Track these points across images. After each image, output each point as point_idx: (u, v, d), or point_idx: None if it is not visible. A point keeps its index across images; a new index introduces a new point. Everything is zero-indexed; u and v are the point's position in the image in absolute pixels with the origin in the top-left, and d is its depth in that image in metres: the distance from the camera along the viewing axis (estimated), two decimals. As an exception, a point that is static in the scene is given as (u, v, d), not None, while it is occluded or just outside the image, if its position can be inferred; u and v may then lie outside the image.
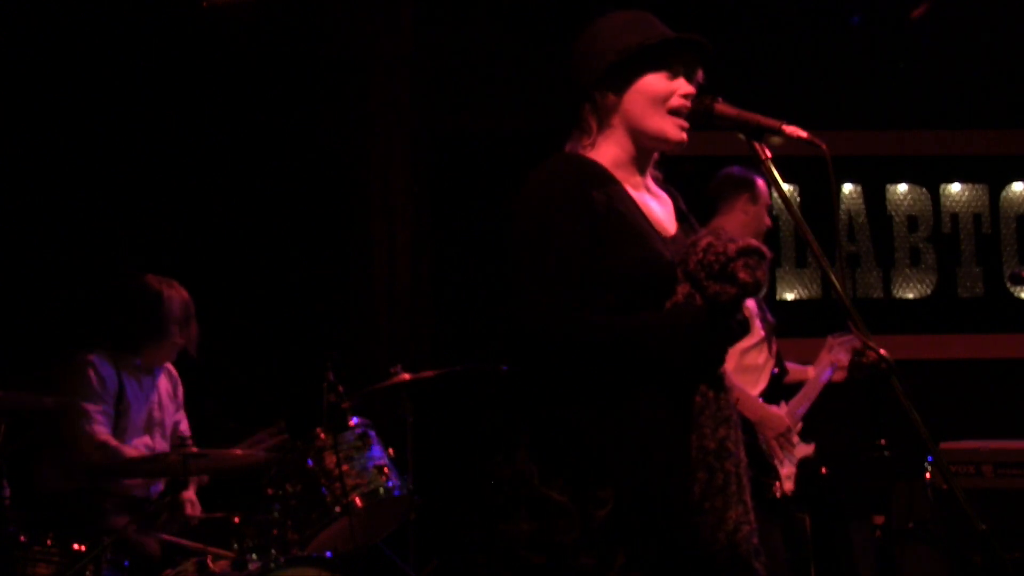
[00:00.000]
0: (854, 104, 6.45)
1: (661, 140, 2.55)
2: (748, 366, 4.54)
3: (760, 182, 4.71)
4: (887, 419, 4.58)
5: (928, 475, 5.11)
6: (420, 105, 6.33)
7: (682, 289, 2.38)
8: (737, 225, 4.59)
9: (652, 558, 2.34)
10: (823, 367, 4.78)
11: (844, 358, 4.75)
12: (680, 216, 2.64)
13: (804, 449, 4.64)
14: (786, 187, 2.43)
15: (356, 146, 6.24)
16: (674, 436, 2.39)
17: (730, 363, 4.34)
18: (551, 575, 2.35)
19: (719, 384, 2.44)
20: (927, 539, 5.23)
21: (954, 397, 5.92)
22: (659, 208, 2.60)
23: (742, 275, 2.32)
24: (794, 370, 4.84)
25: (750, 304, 4.57)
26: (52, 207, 5.69)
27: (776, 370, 4.63)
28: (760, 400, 4.52)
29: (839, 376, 4.78)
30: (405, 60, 6.28)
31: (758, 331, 4.59)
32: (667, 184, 2.69)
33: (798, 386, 4.72)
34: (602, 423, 2.38)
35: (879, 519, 5.53)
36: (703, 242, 2.38)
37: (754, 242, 2.38)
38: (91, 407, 4.37)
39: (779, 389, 4.62)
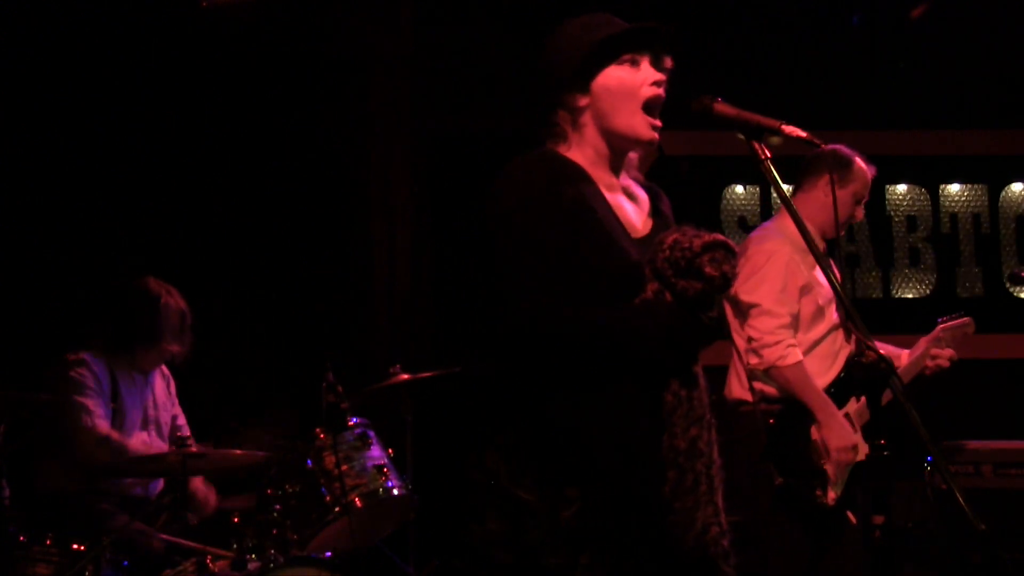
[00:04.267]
0: (854, 104, 6.45)
1: (632, 139, 2.56)
2: (818, 355, 4.35)
3: (858, 169, 4.46)
4: (887, 419, 4.56)
5: (928, 475, 5.10)
6: (420, 105, 6.33)
7: (652, 287, 2.38)
8: (815, 206, 4.40)
9: (618, 559, 2.34)
10: (919, 356, 4.53)
11: (948, 353, 4.51)
12: (656, 215, 2.64)
13: (862, 452, 4.32)
14: (786, 187, 2.43)
15: (356, 146, 6.25)
16: (644, 435, 2.39)
17: (801, 348, 4.26)
18: (518, 574, 2.37)
19: (692, 382, 2.44)
20: (927, 539, 5.22)
21: (954, 397, 5.91)
22: (633, 209, 2.60)
23: (708, 270, 2.33)
24: (888, 354, 4.65)
25: (825, 291, 4.40)
26: (51, 207, 5.69)
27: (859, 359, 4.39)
28: (832, 406, 4.26)
29: (932, 366, 4.52)
30: (405, 60, 6.28)
31: (831, 317, 4.40)
32: (649, 183, 2.69)
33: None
34: (572, 423, 2.40)
35: (879, 519, 5.51)
36: (669, 239, 2.38)
37: (720, 236, 2.38)
38: (89, 402, 4.37)
39: (855, 384, 4.36)
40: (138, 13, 5.74)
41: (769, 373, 4.28)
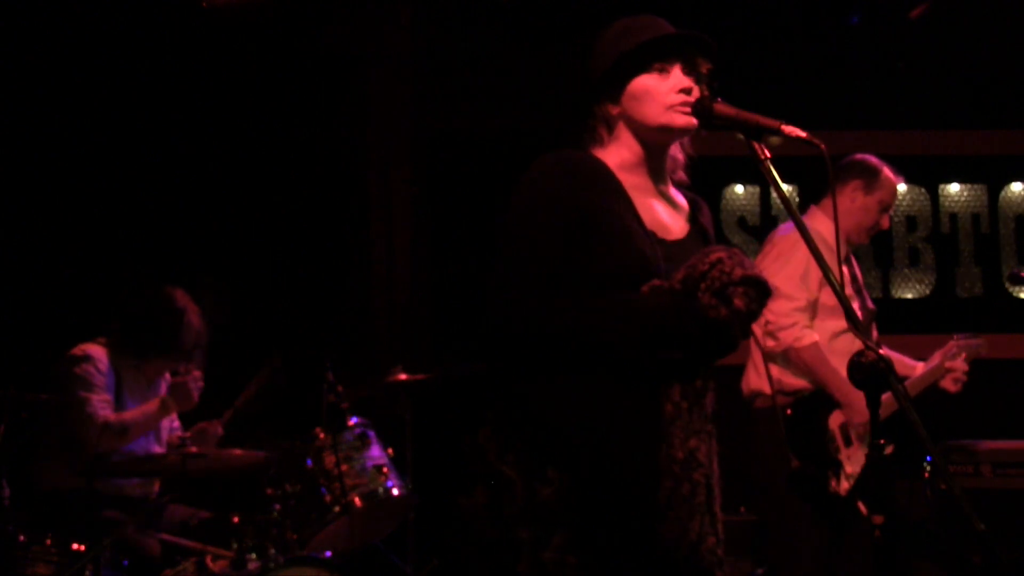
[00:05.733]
0: (854, 104, 6.45)
1: (667, 130, 2.55)
2: (837, 350, 4.39)
3: (885, 178, 4.50)
4: (886, 419, 4.57)
5: (927, 475, 5.10)
6: (420, 104, 6.33)
7: (648, 285, 2.37)
8: (840, 211, 4.40)
9: (591, 544, 2.35)
10: (933, 368, 4.59)
11: (960, 365, 4.56)
12: (694, 224, 2.64)
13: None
14: (786, 187, 2.43)
15: (356, 146, 6.25)
16: (634, 432, 2.39)
17: (822, 336, 4.30)
18: (495, 546, 2.41)
19: (696, 395, 2.44)
20: (927, 539, 5.22)
21: (954, 397, 5.91)
22: (668, 213, 2.60)
23: (738, 302, 2.32)
24: (901, 365, 4.65)
25: (850, 293, 4.42)
26: (50, 206, 5.70)
27: None
28: (849, 383, 4.32)
29: (947, 384, 4.59)
30: (405, 59, 6.28)
31: None
32: (692, 193, 2.70)
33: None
34: (560, 406, 2.41)
35: (879, 519, 5.49)
36: (713, 256, 2.37)
37: (762, 277, 2.37)
38: (92, 396, 4.37)
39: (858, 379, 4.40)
40: (139, 13, 5.74)
41: (787, 356, 4.33)
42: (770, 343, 4.33)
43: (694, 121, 2.53)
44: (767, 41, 6.39)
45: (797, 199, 6.28)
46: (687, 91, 2.53)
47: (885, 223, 4.60)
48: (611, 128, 2.59)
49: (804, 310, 4.34)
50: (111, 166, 5.80)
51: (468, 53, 6.32)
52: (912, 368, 4.68)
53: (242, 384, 4.68)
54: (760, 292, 2.35)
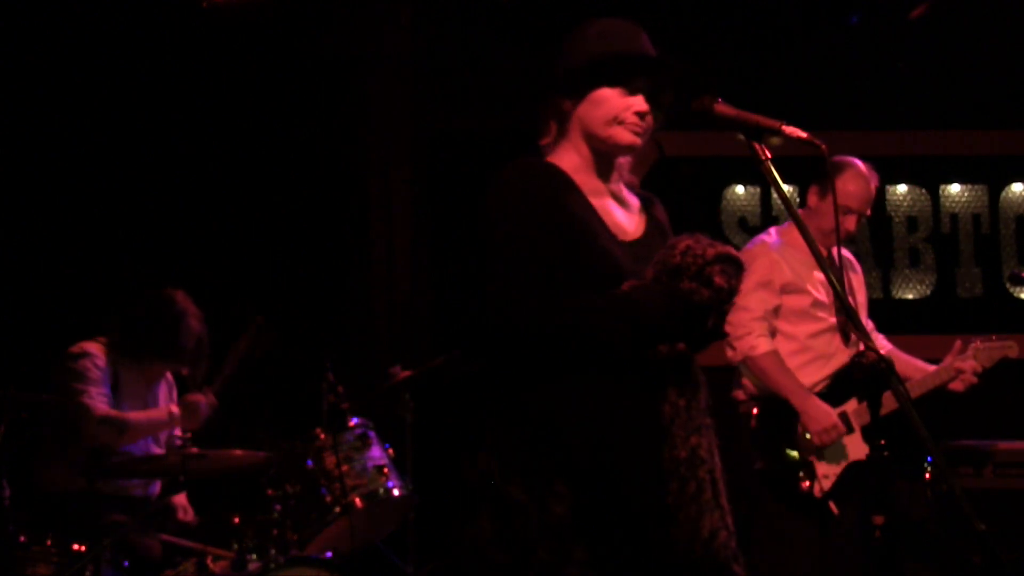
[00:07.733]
0: (854, 104, 6.45)
1: (611, 144, 2.59)
2: (815, 352, 4.43)
3: (845, 180, 4.43)
4: (887, 419, 4.57)
5: (928, 475, 5.10)
6: (420, 104, 6.33)
7: (629, 283, 2.39)
8: (805, 213, 4.46)
9: (615, 555, 2.34)
10: (942, 368, 4.54)
11: (970, 365, 4.51)
12: (649, 220, 2.66)
13: (859, 451, 4.38)
14: (786, 188, 2.43)
15: (356, 146, 6.25)
16: (635, 436, 2.39)
17: (792, 344, 4.34)
18: (512, 572, 2.37)
19: (691, 391, 2.45)
20: (927, 539, 5.22)
21: (954, 397, 5.90)
22: (622, 213, 2.63)
23: (718, 280, 2.34)
24: (912, 367, 4.63)
25: (823, 293, 4.43)
26: (50, 206, 5.70)
27: None
28: (805, 391, 4.32)
29: (957, 385, 4.54)
30: (405, 60, 6.28)
31: (828, 320, 4.45)
32: (643, 191, 2.73)
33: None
34: (560, 414, 2.41)
35: (879, 519, 5.50)
36: (682, 245, 2.40)
37: (732, 251, 2.39)
38: (90, 388, 4.38)
39: (856, 384, 4.41)
40: (139, 13, 5.74)
41: (745, 365, 4.37)
42: (729, 353, 4.39)
43: (637, 140, 2.56)
44: (767, 41, 6.39)
45: (797, 199, 6.28)
46: (642, 116, 2.55)
47: (848, 225, 4.49)
48: (562, 124, 2.62)
49: (761, 319, 4.37)
50: (111, 166, 5.80)
51: (468, 53, 6.32)
52: (924, 370, 4.63)
53: (244, 384, 4.68)
54: (736, 267, 2.39)
